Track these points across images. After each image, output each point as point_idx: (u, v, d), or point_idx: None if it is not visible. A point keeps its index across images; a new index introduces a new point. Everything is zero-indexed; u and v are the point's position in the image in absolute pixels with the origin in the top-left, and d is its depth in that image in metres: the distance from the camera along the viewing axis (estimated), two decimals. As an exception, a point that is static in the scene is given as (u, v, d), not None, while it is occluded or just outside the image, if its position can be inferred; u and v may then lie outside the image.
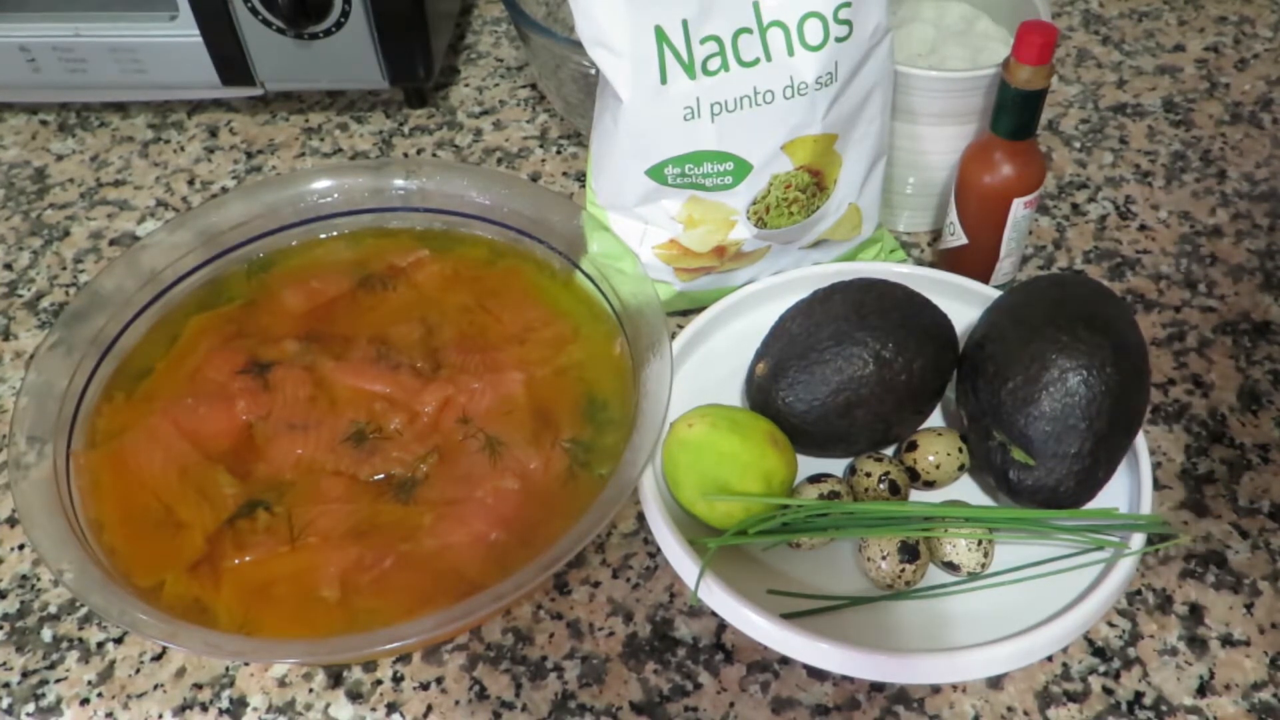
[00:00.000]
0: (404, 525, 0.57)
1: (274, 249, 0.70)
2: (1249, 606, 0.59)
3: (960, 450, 0.60)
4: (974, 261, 0.70)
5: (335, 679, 0.57)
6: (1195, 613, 0.59)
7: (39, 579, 0.61)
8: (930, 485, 0.61)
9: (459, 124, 0.87)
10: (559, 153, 0.84)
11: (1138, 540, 0.56)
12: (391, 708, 0.56)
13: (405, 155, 0.85)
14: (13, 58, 0.79)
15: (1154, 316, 0.72)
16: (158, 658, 0.58)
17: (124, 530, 0.56)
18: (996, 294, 0.63)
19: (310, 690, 0.57)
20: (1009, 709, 0.55)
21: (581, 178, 0.82)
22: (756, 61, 0.60)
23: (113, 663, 0.58)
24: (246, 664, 0.57)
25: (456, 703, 0.56)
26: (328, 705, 0.56)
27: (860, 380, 0.58)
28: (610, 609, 0.59)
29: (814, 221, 0.66)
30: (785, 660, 0.57)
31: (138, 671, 0.57)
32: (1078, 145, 0.84)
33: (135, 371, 0.63)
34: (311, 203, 0.70)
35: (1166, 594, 0.59)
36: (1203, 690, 0.56)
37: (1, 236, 0.80)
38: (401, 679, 0.57)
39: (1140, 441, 0.59)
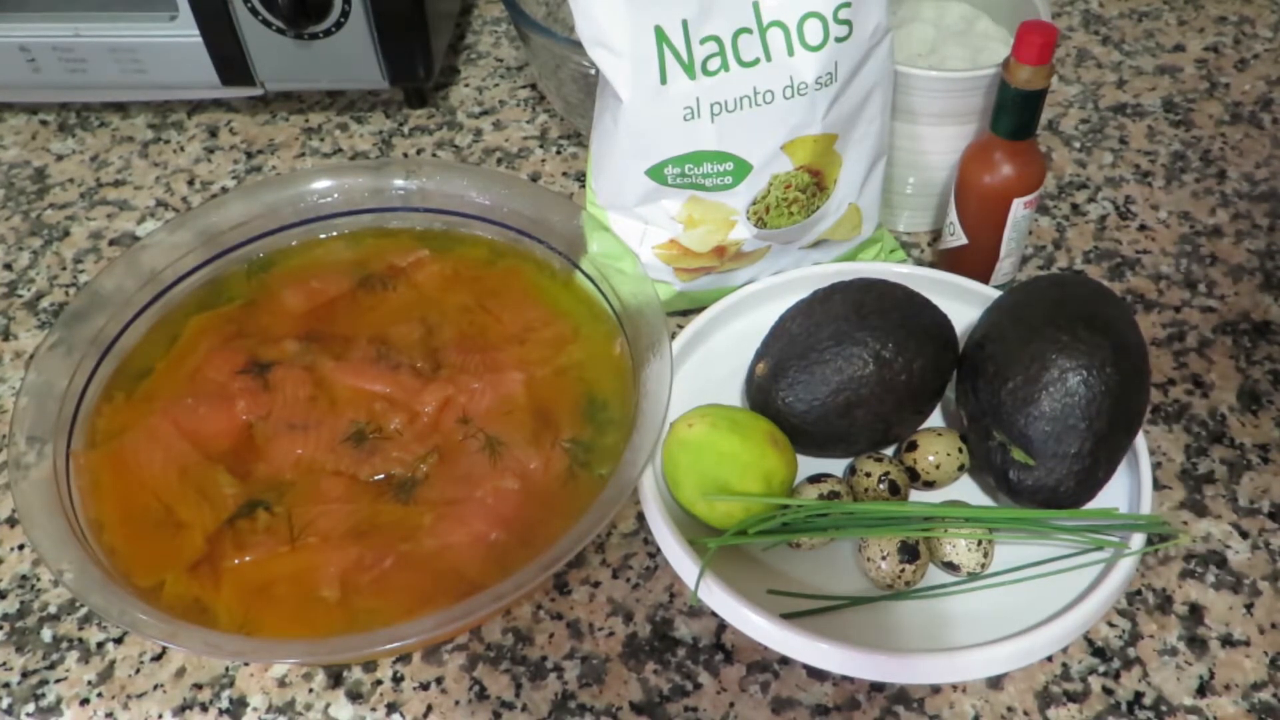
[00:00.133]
0: (404, 525, 0.57)
1: (274, 249, 0.70)
2: (1249, 606, 0.59)
3: (960, 450, 0.60)
4: (974, 261, 0.70)
5: (335, 679, 0.57)
6: (1195, 613, 0.59)
7: (39, 579, 0.61)
8: (930, 485, 0.61)
9: (459, 124, 0.87)
10: (559, 153, 0.84)
11: (1138, 540, 0.56)
12: (391, 708, 0.56)
13: (405, 155, 0.85)
14: (13, 58, 0.79)
15: (1154, 316, 0.72)
16: (158, 658, 0.58)
17: (124, 530, 0.56)
18: (996, 294, 0.63)
19: (310, 690, 0.57)
20: (1009, 709, 0.55)
21: (581, 178, 0.82)
22: (756, 61, 0.60)
23: (113, 663, 0.58)
24: (246, 664, 0.57)
25: (456, 703, 0.56)
26: (328, 705, 0.56)
27: (860, 380, 0.58)
28: (610, 609, 0.59)
29: (814, 221, 0.66)
30: (785, 660, 0.57)
31: (138, 671, 0.57)
32: (1078, 145, 0.84)
33: (135, 371, 0.63)
34: (311, 203, 0.70)
35: (1166, 594, 0.59)
36: (1203, 690, 0.56)
37: (1, 236, 0.80)
38: (401, 679, 0.57)
39: (1140, 441, 0.59)
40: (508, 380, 0.62)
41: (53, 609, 0.60)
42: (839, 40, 0.60)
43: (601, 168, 0.65)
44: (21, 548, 0.63)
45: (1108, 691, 0.56)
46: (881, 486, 0.59)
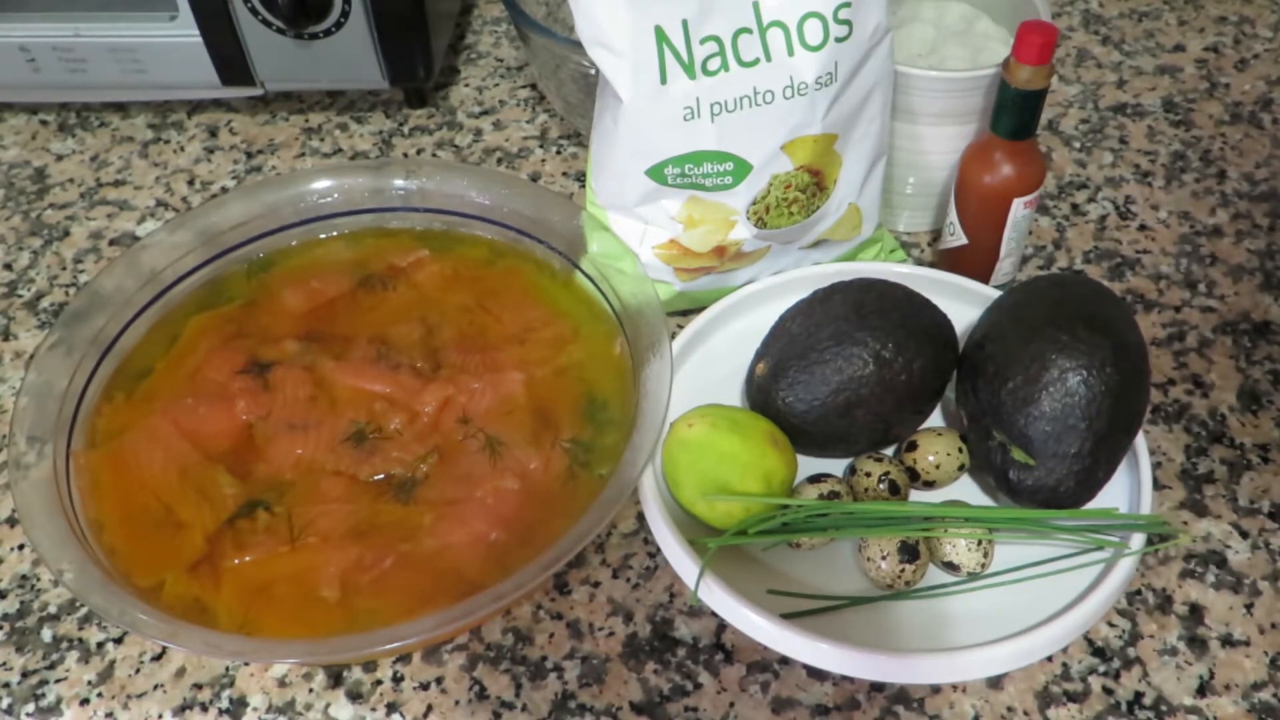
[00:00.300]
0: (404, 525, 0.57)
1: (274, 249, 0.70)
2: (1249, 606, 0.59)
3: (960, 450, 0.60)
4: (974, 261, 0.70)
5: (335, 679, 0.57)
6: (1195, 613, 0.59)
7: (39, 579, 0.61)
8: (930, 485, 0.61)
9: (459, 124, 0.87)
10: (559, 153, 0.84)
11: (1138, 540, 0.56)
12: (391, 708, 0.56)
13: (405, 155, 0.85)
14: (13, 58, 0.79)
15: (1154, 316, 0.72)
16: (158, 658, 0.58)
17: (124, 530, 0.56)
18: (996, 294, 0.63)
19: (310, 690, 0.57)
20: (1009, 709, 0.55)
21: (581, 178, 0.82)
22: (756, 61, 0.60)
23: (113, 663, 0.58)
24: (246, 664, 0.57)
25: (456, 703, 0.56)
26: (328, 705, 0.56)
27: (860, 380, 0.58)
28: (610, 609, 0.59)
29: (814, 221, 0.66)
30: (785, 660, 0.57)
31: (138, 671, 0.57)
32: (1078, 145, 0.84)
33: (135, 371, 0.63)
34: (311, 203, 0.70)
35: (1166, 594, 0.59)
36: (1203, 690, 0.56)
37: (1, 236, 0.80)
38: (401, 679, 0.57)
39: (1140, 441, 0.59)
40: (508, 380, 0.62)
41: (53, 609, 0.60)
42: (839, 40, 0.60)
43: (601, 168, 0.65)
44: (21, 548, 0.63)
45: (1108, 691, 0.56)
46: (881, 486, 0.59)
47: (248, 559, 0.55)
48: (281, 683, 0.57)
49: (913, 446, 0.61)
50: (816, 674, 0.56)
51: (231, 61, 0.79)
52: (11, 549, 0.63)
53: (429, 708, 0.56)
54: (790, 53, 0.60)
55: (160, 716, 0.56)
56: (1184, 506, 0.63)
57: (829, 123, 0.62)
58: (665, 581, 0.60)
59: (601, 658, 0.57)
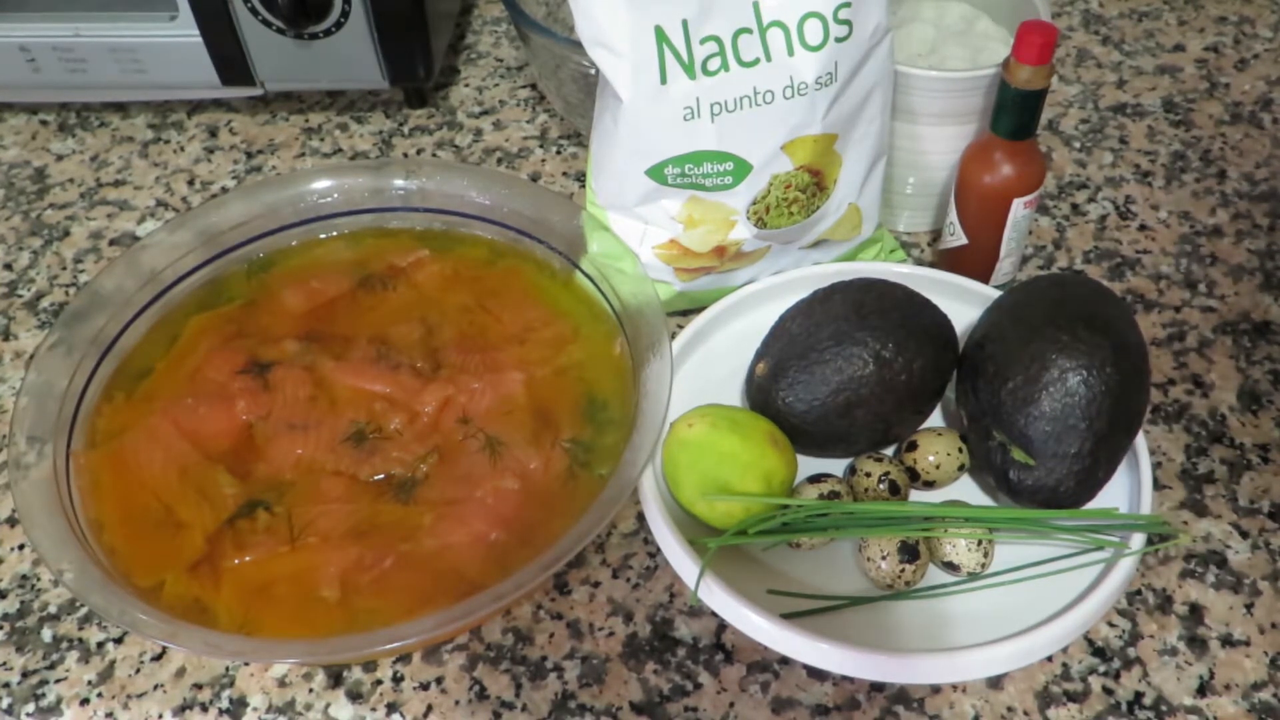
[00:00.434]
0: (404, 525, 0.57)
1: (274, 249, 0.70)
2: (1249, 606, 0.59)
3: (960, 450, 0.60)
4: (974, 261, 0.70)
5: (335, 679, 0.57)
6: (1195, 613, 0.59)
7: (39, 579, 0.61)
8: (930, 485, 0.61)
9: (459, 124, 0.87)
10: (559, 153, 0.84)
11: (1138, 540, 0.56)
12: (391, 708, 0.56)
13: (405, 155, 0.85)
14: (13, 58, 0.79)
15: (1154, 316, 0.72)
16: (158, 658, 0.58)
17: (124, 530, 0.56)
18: (996, 294, 0.63)
19: (310, 690, 0.57)
20: (1009, 709, 0.55)
21: (581, 178, 0.82)
22: (756, 61, 0.60)
23: (113, 663, 0.58)
24: (246, 664, 0.57)
25: (456, 703, 0.56)
26: (328, 705, 0.56)
27: (860, 380, 0.58)
28: (610, 609, 0.59)
29: (814, 221, 0.66)
30: (785, 660, 0.57)
31: (138, 671, 0.57)
32: (1078, 145, 0.84)
33: (135, 371, 0.63)
34: (311, 203, 0.70)
35: (1166, 594, 0.59)
36: (1203, 690, 0.56)
37: (1, 236, 0.80)
38: (401, 679, 0.57)
39: (1140, 441, 0.59)
40: (508, 380, 0.62)
41: (53, 609, 0.60)
42: (839, 40, 0.60)
43: (601, 168, 0.65)
44: (21, 548, 0.63)
45: (1108, 691, 0.56)
46: (881, 486, 0.59)
47: (248, 559, 0.55)
48: (281, 683, 0.57)
49: (913, 446, 0.61)
50: (816, 674, 0.56)
51: (231, 61, 0.79)
52: (11, 549, 0.63)
53: (429, 708, 0.56)
54: (790, 53, 0.60)
55: (160, 716, 0.56)
56: (1184, 506, 0.63)
57: (829, 123, 0.62)
58: (665, 581, 0.60)
59: (601, 658, 0.57)
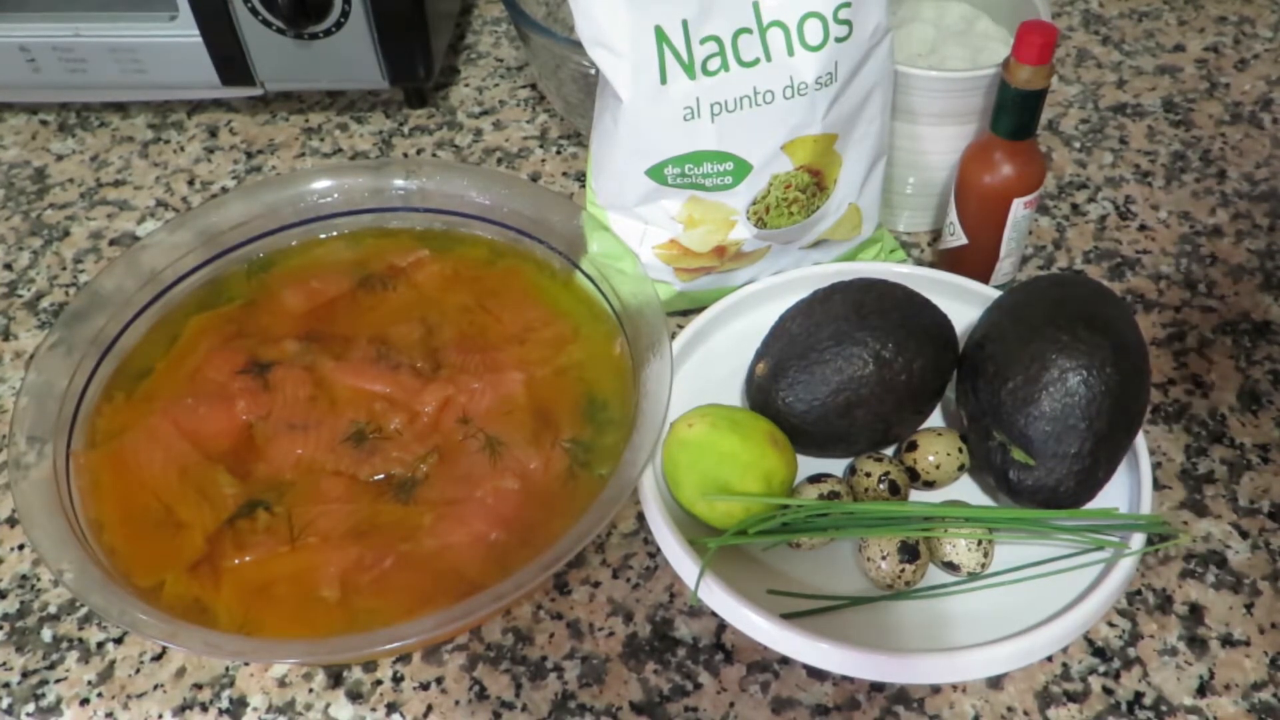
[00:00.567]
0: (404, 525, 0.57)
1: (274, 249, 0.70)
2: (1249, 606, 0.59)
3: (960, 450, 0.60)
4: (974, 261, 0.70)
5: (335, 679, 0.57)
6: (1195, 613, 0.59)
7: (39, 579, 0.61)
8: (930, 485, 0.61)
9: (459, 124, 0.87)
10: (559, 153, 0.84)
11: (1138, 540, 0.56)
12: (391, 708, 0.56)
13: (405, 155, 0.85)
14: (13, 58, 0.79)
15: (1154, 316, 0.72)
16: (158, 658, 0.58)
17: (124, 530, 0.56)
18: (996, 294, 0.63)
19: (310, 690, 0.57)
20: (1009, 709, 0.55)
21: (581, 178, 0.82)
22: (756, 61, 0.60)
23: (113, 663, 0.58)
24: (246, 664, 0.57)
25: (456, 703, 0.56)
26: (328, 705, 0.56)
27: (860, 380, 0.58)
28: (610, 609, 0.59)
29: (814, 221, 0.66)
30: (785, 660, 0.57)
31: (138, 671, 0.57)
32: (1078, 145, 0.84)
33: (135, 371, 0.63)
34: (311, 203, 0.70)
35: (1166, 594, 0.59)
36: (1203, 690, 0.56)
37: (1, 236, 0.80)
38: (401, 679, 0.57)
39: (1140, 441, 0.59)
40: (508, 380, 0.62)
41: (53, 609, 0.60)
42: (839, 40, 0.60)
43: (601, 168, 0.65)
44: (21, 548, 0.63)
45: (1108, 691, 0.56)
46: (881, 486, 0.59)
47: (248, 559, 0.55)
48: (281, 683, 0.57)
49: (913, 446, 0.61)
50: (816, 674, 0.56)
51: (231, 61, 0.79)
52: (11, 549, 0.63)
53: (429, 708, 0.56)
54: (790, 53, 0.60)
55: (160, 716, 0.56)
56: (1184, 506, 0.63)
57: (829, 123, 0.62)
58: (665, 581, 0.60)
59: (601, 658, 0.57)
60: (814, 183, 0.64)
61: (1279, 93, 0.87)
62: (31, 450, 0.57)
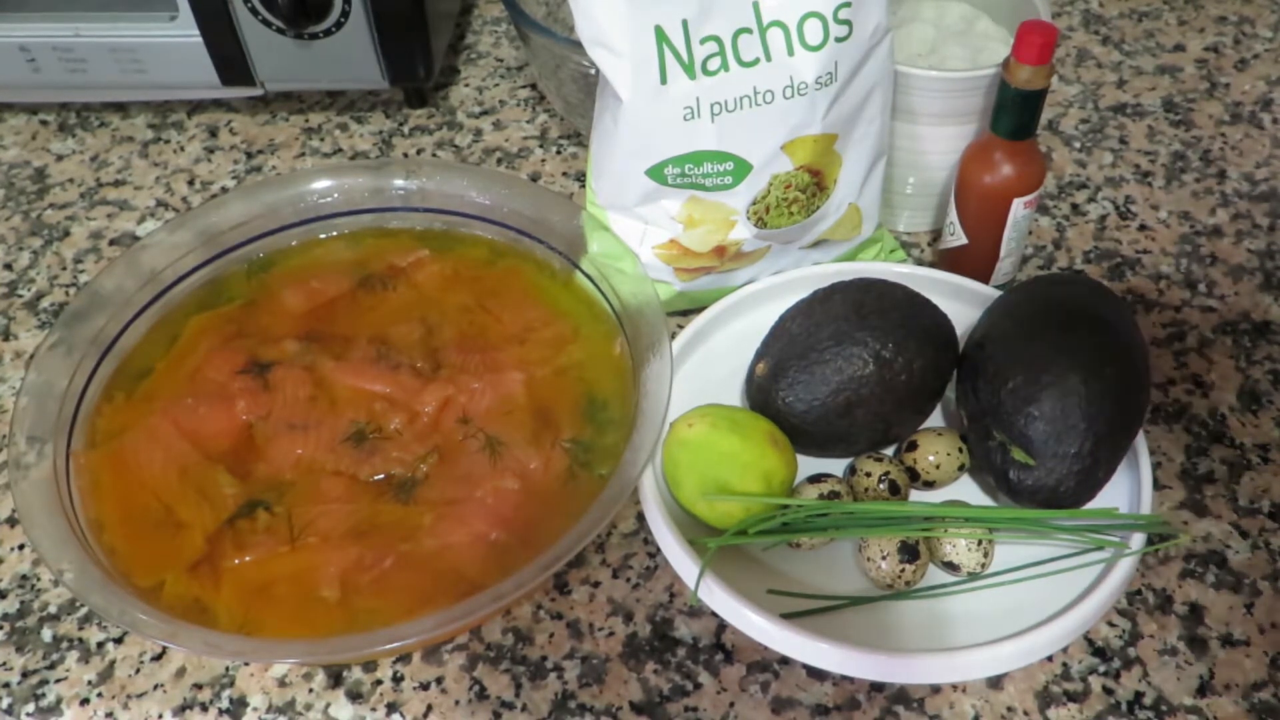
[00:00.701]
0: (404, 525, 0.57)
1: (274, 249, 0.70)
2: (1249, 606, 0.59)
3: (960, 450, 0.60)
4: (974, 261, 0.70)
5: (335, 679, 0.57)
6: (1195, 613, 0.59)
7: (39, 579, 0.61)
8: (930, 485, 0.61)
9: (459, 124, 0.87)
10: (559, 153, 0.84)
11: (1138, 540, 0.56)
12: (391, 708, 0.56)
13: (405, 155, 0.85)
14: (13, 58, 0.79)
15: (1154, 316, 0.72)
16: (158, 658, 0.58)
17: (124, 530, 0.56)
18: (996, 294, 0.63)
19: (310, 690, 0.57)
20: (1009, 709, 0.55)
21: (581, 178, 0.82)
22: (756, 61, 0.60)
23: (113, 663, 0.58)
24: (246, 664, 0.57)
25: (456, 703, 0.56)
26: (328, 705, 0.56)
27: (860, 380, 0.58)
28: (610, 609, 0.59)
29: (814, 221, 0.66)
30: (785, 660, 0.57)
31: (138, 671, 0.57)
32: (1078, 145, 0.84)
33: (135, 371, 0.64)
34: (311, 203, 0.70)
35: (1166, 594, 0.59)
36: (1203, 690, 0.56)
37: (1, 236, 0.80)
38: (401, 679, 0.57)
39: (1140, 441, 0.59)
40: (508, 380, 0.62)
41: (53, 609, 0.60)
42: (839, 40, 0.60)
43: (601, 168, 0.65)
44: (21, 548, 0.63)
45: (1108, 691, 0.56)
46: (881, 486, 0.59)
47: (248, 559, 0.55)
48: (281, 683, 0.57)
49: (913, 446, 0.61)
50: (816, 674, 0.56)
51: (231, 61, 0.79)
52: (11, 549, 0.63)
53: (429, 708, 0.56)
54: (790, 53, 0.60)
55: (160, 716, 0.56)
56: (1184, 506, 0.63)
57: (829, 123, 0.62)
58: (665, 581, 0.60)
59: (601, 658, 0.57)
60: (814, 183, 0.64)
61: (1279, 93, 0.87)
62: (31, 450, 0.57)
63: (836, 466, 0.62)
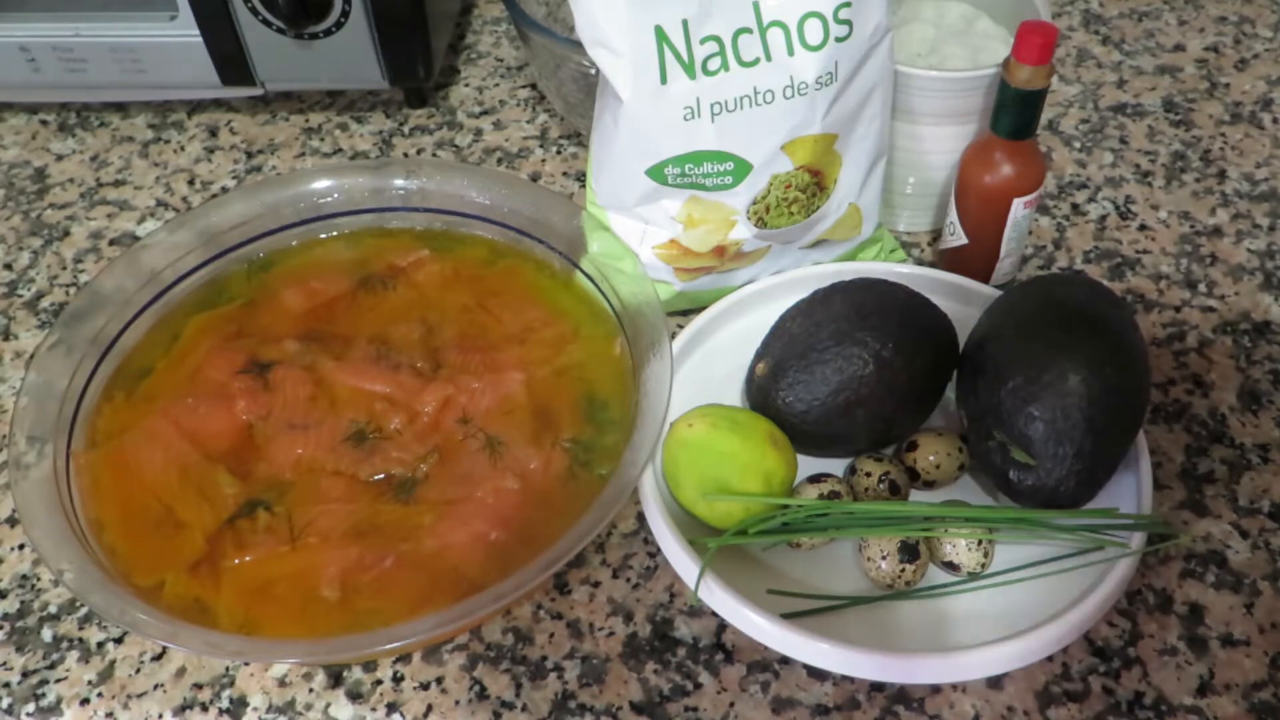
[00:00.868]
0: (404, 525, 0.57)
1: (274, 249, 0.70)
2: (1249, 606, 0.59)
3: (960, 450, 0.60)
4: (974, 261, 0.70)
5: (335, 679, 0.57)
6: (1195, 613, 0.59)
7: (39, 579, 0.61)
8: (930, 485, 0.61)
9: (459, 124, 0.87)
10: (559, 153, 0.84)
11: (1138, 540, 0.56)
12: (391, 708, 0.56)
13: (405, 155, 0.85)
14: (13, 58, 0.79)
15: (1154, 316, 0.72)
16: (158, 658, 0.58)
17: (124, 530, 0.56)
18: (996, 294, 0.63)
19: (310, 690, 0.57)
20: (1009, 709, 0.55)
21: (581, 178, 0.82)
22: (756, 61, 0.60)
23: (113, 663, 0.58)
24: (246, 664, 0.57)
25: (456, 703, 0.56)
26: (328, 705, 0.56)
27: (860, 380, 0.58)
28: (610, 609, 0.59)
29: (814, 221, 0.66)
30: (785, 660, 0.57)
31: (138, 671, 0.57)
32: (1078, 145, 0.84)
33: (135, 371, 0.64)
34: (311, 203, 0.70)
35: (1166, 594, 0.59)
36: (1203, 690, 0.56)
37: (1, 236, 0.80)
38: (401, 679, 0.57)
39: (1140, 441, 0.59)
40: (508, 380, 0.62)
41: (53, 609, 0.60)
42: (839, 40, 0.60)
43: (601, 168, 0.65)
44: (21, 548, 0.63)
45: (1108, 691, 0.56)
46: (881, 486, 0.59)
47: (248, 559, 0.55)
48: (281, 683, 0.57)
49: (913, 446, 0.61)
50: (816, 674, 0.56)
51: (231, 61, 0.79)
52: (11, 549, 0.63)
53: (429, 708, 0.56)
54: (790, 52, 0.60)
55: (160, 716, 0.56)
56: (1184, 506, 0.63)
57: (829, 123, 0.62)
58: (665, 581, 0.60)
59: (601, 658, 0.57)
60: (814, 182, 0.64)
61: (1279, 93, 0.87)
62: (31, 450, 0.57)
63: (836, 466, 0.62)
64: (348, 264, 0.69)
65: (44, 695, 0.57)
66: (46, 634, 0.59)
